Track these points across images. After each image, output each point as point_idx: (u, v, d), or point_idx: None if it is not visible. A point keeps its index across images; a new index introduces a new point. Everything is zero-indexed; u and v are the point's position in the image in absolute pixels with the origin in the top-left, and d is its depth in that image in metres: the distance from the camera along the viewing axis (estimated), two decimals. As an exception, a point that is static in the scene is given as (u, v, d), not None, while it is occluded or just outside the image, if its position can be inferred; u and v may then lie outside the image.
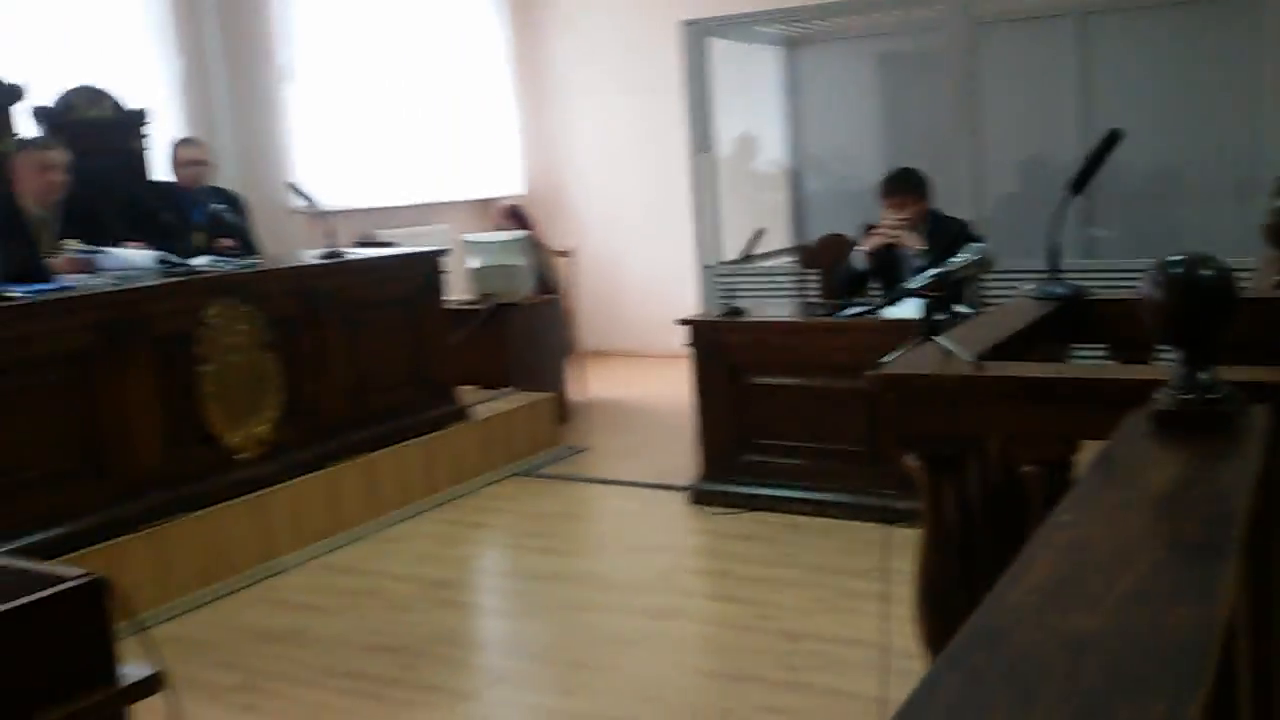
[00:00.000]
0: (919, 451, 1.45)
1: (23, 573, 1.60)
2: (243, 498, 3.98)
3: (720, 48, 6.45)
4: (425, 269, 4.97)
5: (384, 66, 7.10)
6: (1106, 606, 0.66)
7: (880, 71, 6.96)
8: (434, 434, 4.80)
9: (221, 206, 5.03)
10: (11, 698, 1.40)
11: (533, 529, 4.51)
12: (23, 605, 1.44)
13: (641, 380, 6.81)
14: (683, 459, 4.67)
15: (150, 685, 1.58)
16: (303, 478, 4.21)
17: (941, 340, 1.54)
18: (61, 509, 3.49)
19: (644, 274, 7.72)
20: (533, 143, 8.18)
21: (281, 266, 4.54)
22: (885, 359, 1.58)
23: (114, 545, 3.55)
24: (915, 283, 3.48)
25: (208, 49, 6.11)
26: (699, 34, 6.33)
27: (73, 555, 3.41)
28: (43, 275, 4.01)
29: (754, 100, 6.95)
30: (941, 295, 2.30)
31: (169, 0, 5.89)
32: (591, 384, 6.48)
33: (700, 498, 4.46)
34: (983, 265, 3.84)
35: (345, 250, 5.02)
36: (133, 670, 1.56)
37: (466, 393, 5.22)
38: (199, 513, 3.83)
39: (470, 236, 6.02)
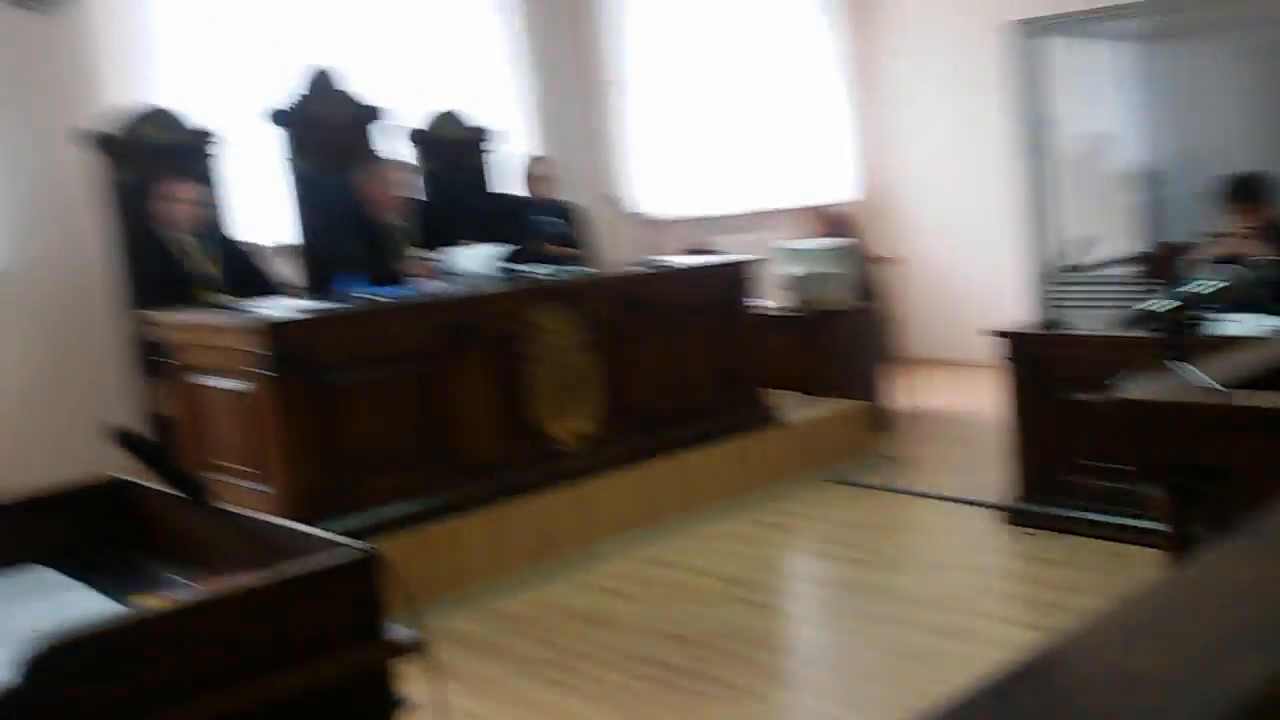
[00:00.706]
0: (1162, 482, 1.38)
1: (318, 540, 1.88)
2: (565, 487, 4.31)
3: (1058, 46, 6.13)
4: (737, 276, 5.13)
5: (716, 75, 7.33)
6: (1179, 650, 0.64)
7: (1252, 66, 6.34)
8: (746, 436, 4.95)
9: (558, 219, 5.44)
10: (298, 644, 1.66)
11: (836, 536, 4.54)
12: (315, 570, 1.70)
13: (965, 390, 6.61)
14: (1000, 475, 4.53)
15: (411, 645, 1.80)
16: (620, 471, 4.48)
17: (1185, 366, 1.45)
18: (410, 487, 3.93)
19: (971, 280, 7.49)
20: (866, 148, 8.15)
21: (604, 274, 4.84)
22: (1118, 380, 1.50)
23: (453, 523, 3.97)
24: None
25: (561, 69, 6.59)
26: (1034, 32, 6.05)
27: (417, 529, 3.86)
28: (395, 279, 4.54)
29: (1095, 99, 6.55)
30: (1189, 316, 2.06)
31: (530, 26, 6.42)
32: (914, 393, 6.37)
33: (1014, 517, 4.30)
34: (1231, 289, 3.39)
35: (665, 258, 5.28)
36: (399, 631, 1.79)
37: (782, 397, 5.33)
38: (526, 498, 4.19)
39: (792, 244, 6.10)
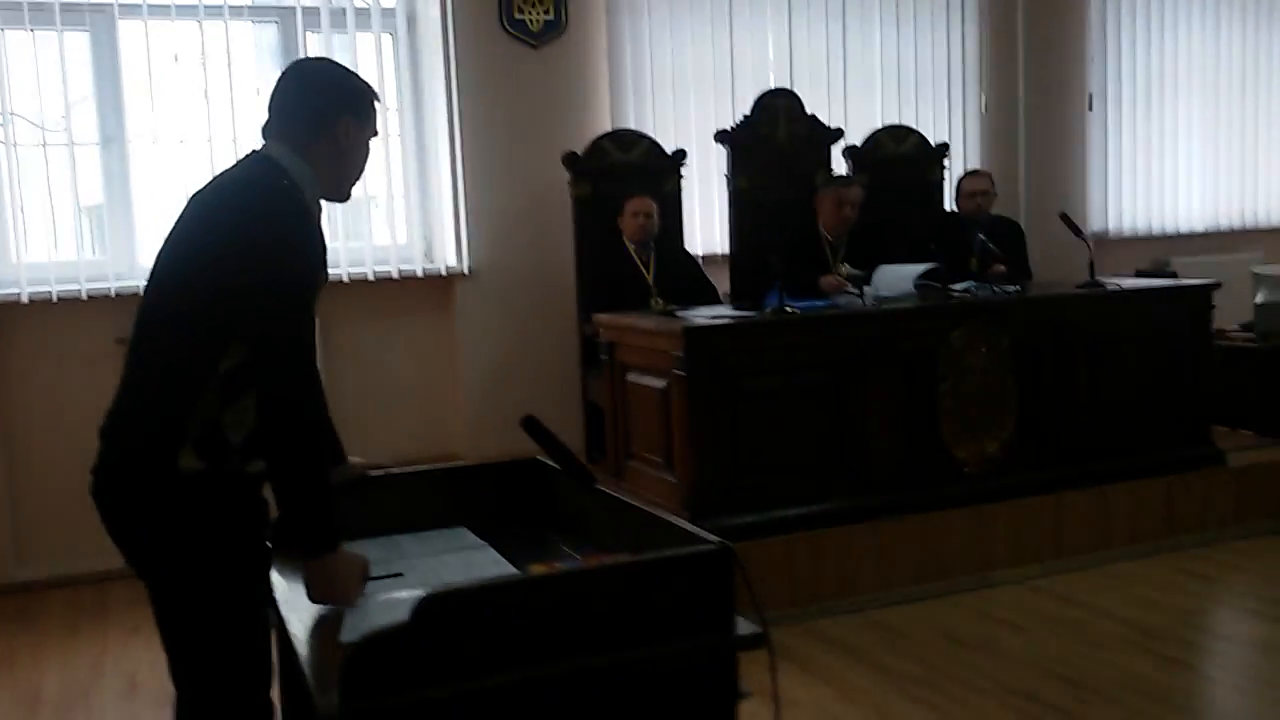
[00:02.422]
0: None
1: (679, 531, 2.09)
2: (965, 509, 4.26)
3: None
4: (1191, 302, 4.73)
5: (1193, 87, 6.76)
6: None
7: None
8: (1177, 475, 4.58)
9: (993, 236, 5.33)
10: (651, 624, 1.86)
11: (1269, 594, 4.08)
12: (673, 558, 1.90)
13: None
14: None
15: (755, 640, 1.93)
16: (1027, 499, 4.34)
17: None
18: (807, 492, 4.09)
19: None
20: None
21: (1030, 294, 4.69)
22: None
23: (845, 531, 4.07)
24: None
25: (1015, 83, 6.43)
26: None
27: (809, 533, 4.03)
28: (820, 293, 4.71)
29: None
30: None
31: (984, 41, 6.33)
32: None
33: None
34: None
35: (1113, 279, 5.00)
36: (745, 625, 1.94)
37: (1234, 436, 4.86)
38: (923, 515, 4.20)
39: (1261, 269, 5.51)
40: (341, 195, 2.19)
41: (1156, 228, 6.76)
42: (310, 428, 1.96)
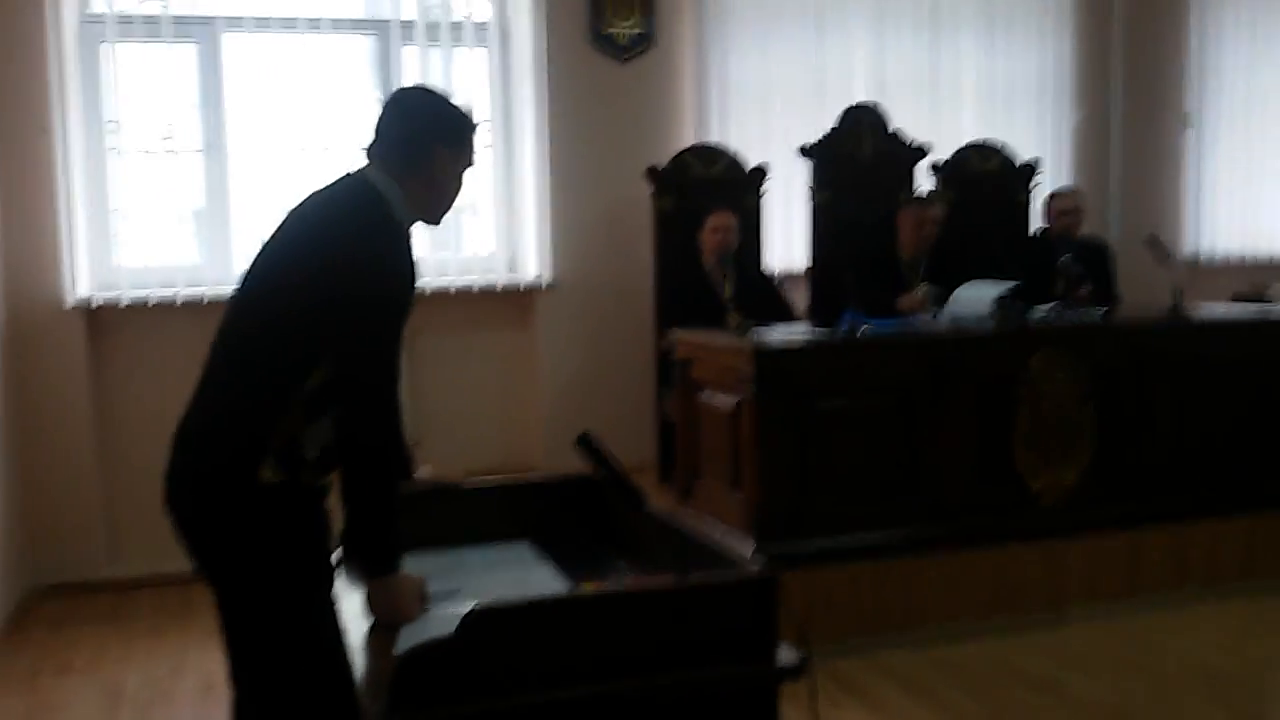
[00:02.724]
0: None
1: (721, 554, 2.11)
2: (1038, 541, 4.18)
3: None
4: (1285, 333, 4.59)
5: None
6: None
7: None
8: (1264, 514, 4.44)
9: (1080, 257, 5.22)
10: (690, 649, 1.88)
11: (1361, 645, 3.94)
12: (715, 584, 1.92)
13: None
14: None
15: (797, 670, 1.94)
16: (1105, 533, 4.25)
17: None
18: (877, 517, 4.05)
19: None
20: None
21: (1115, 320, 4.59)
22: None
23: (915, 559, 4.02)
24: None
25: (1109, 100, 6.30)
26: None
27: (877, 560, 3.99)
28: (894, 312, 4.68)
29: None
30: None
31: (1077, 56, 6.21)
32: None
33: None
34: None
35: (1208, 306, 4.88)
36: (786, 654, 1.94)
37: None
38: (995, 547, 4.13)
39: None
40: (433, 221, 2.24)
41: (1253, 253, 6.55)
42: (383, 451, 2.02)
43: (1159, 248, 4.86)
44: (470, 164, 2.25)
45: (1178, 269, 5.39)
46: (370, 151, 2.19)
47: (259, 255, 2.15)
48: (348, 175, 2.18)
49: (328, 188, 2.18)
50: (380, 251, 2.03)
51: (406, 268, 2.09)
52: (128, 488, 4.81)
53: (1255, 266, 6.52)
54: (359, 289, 1.98)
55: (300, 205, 2.17)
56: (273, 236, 2.16)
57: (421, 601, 2.09)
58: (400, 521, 2.07)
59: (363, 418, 1.99)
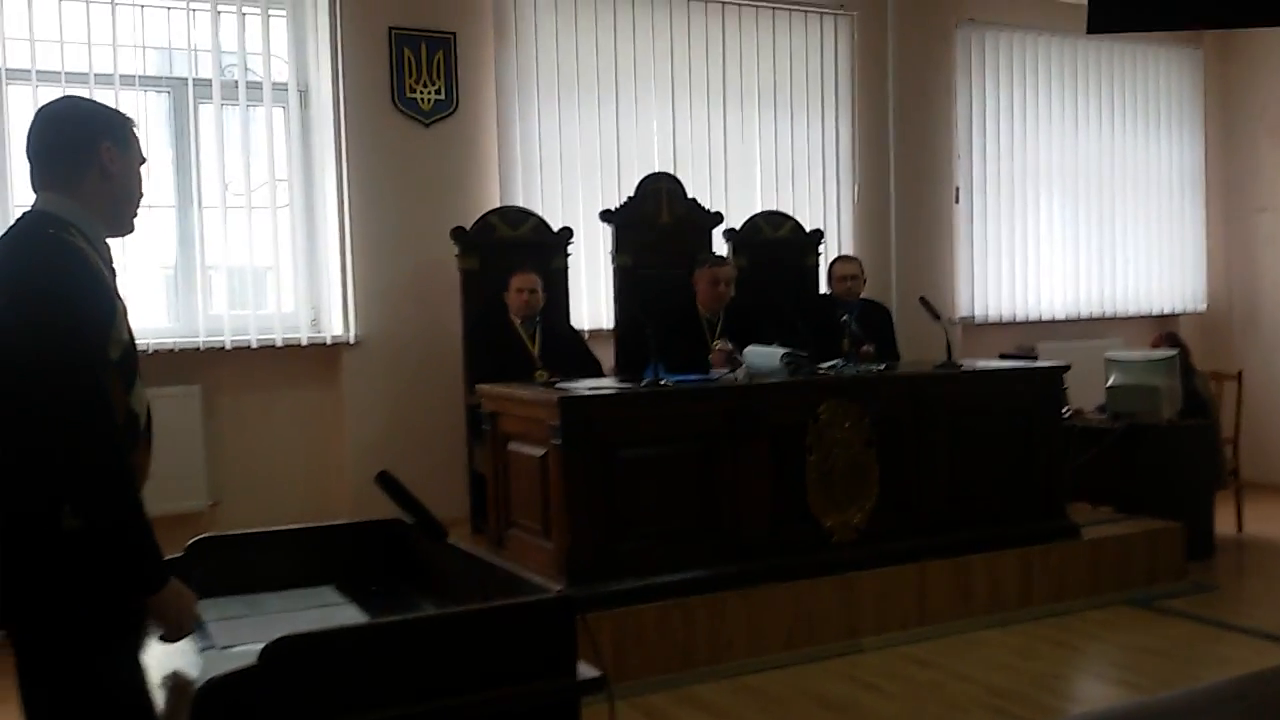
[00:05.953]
0: None
1: (522, 581, 2.17)
2: (833, 576, 4.40)
3: None
4: (1042, 383, 5.01)
5: (1054, 183, 7.21)
6: None
7: None
8: (1039, 547, 4.80)
9: (849, 316, 5.56)
10: (493, 670, 1.93)
11: (1125, 661, 4.29)
12: (513, 605, 1.98)
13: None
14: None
15: (596, 684, 2.01)
16: (892, 567, 4.51)
17: None
18: (680, 559, 4.19)
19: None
20: (1216, 256, 7.66)
21: (892, 372, 4.92)
22: None
23: (717, 597, 4.17)
24: None
25: (887, 175, 6.77)
26: None
27: (683, 599, 4.11)
28: (700, 367, 4.88)
29: None
30: None
31: (857, 135, 6.66)
32: (1244, 519, 5.84)
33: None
34: None
35: (975, 362, 5.26)
36: (585, 670, 2.01)
37: (1083, 511, 5.12)
38: (793, 582, 4.32)
39: (1113, 354, 5.86)
40: (124, 227, 2.14)
41: (1022, 314, 7.12)
42: (108, 471, 1.91)
43: (930, 308, 5.24)
44: (144, 159, 2.16)
45: (950, 327, 5.80)
46: (34, 183, 2.07)
47: None
48: (22, 215, 2.06)
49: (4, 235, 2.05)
50: (48, 279, 1.91)
51: (84, 288, 1.95)
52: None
53: (1025, 325, 7.08)
54: (18, 318, 1.89)
55: None
56: None
57: (195, 614, 2.07)
58: (155, 535, 1.99)
59: (69, 444, 1.88)
